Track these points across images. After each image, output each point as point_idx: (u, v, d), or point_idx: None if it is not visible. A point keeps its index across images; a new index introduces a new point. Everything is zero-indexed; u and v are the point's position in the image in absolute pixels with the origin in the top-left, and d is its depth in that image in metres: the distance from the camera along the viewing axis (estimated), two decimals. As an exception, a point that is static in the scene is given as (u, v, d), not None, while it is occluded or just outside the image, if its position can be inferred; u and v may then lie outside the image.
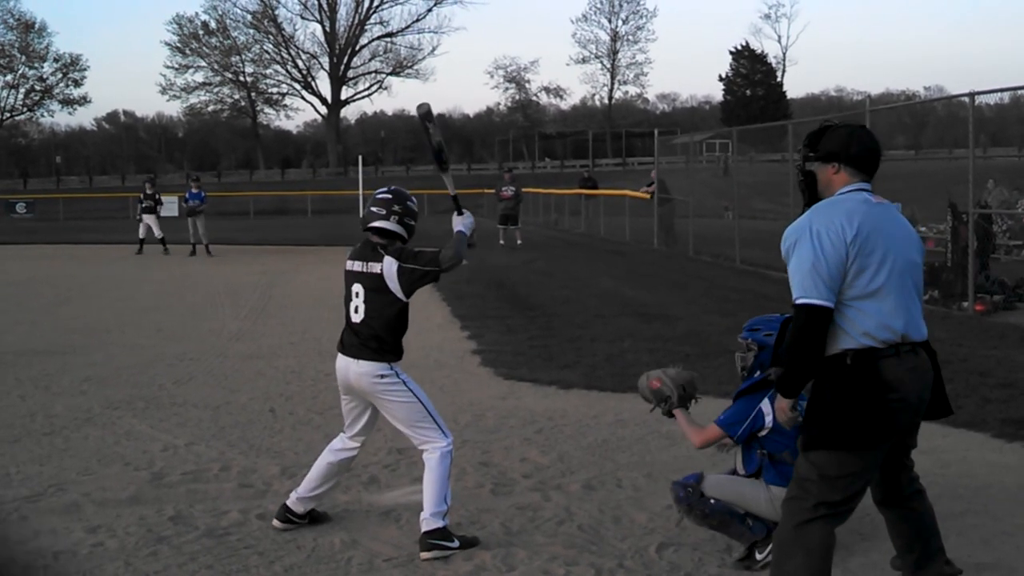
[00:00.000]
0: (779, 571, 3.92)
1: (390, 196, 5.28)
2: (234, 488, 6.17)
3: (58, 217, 51.48)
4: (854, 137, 4.03)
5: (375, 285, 5.11)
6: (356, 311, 5.19)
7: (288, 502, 5.43)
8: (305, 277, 19.87)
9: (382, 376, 5.13)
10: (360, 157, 52.50)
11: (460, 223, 5.27)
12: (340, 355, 5.28)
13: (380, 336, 5.12)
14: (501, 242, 26.41)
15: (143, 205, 26.53)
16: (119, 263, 24.23)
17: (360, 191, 48.09)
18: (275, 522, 5.41)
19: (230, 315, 14.25)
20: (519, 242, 26.23)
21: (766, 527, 4.78)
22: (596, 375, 9.26)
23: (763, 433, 4.82)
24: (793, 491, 3.93)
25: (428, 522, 5.04)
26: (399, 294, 5.10)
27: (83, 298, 17.00)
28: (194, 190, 26.11)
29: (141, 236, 26.41)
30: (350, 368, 5.20)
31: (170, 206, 31.88)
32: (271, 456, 6.87)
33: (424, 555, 4.97)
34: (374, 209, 5.22)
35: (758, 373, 4.92)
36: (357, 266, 5.21)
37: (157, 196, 26.73)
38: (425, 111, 5.38)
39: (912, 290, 3.92)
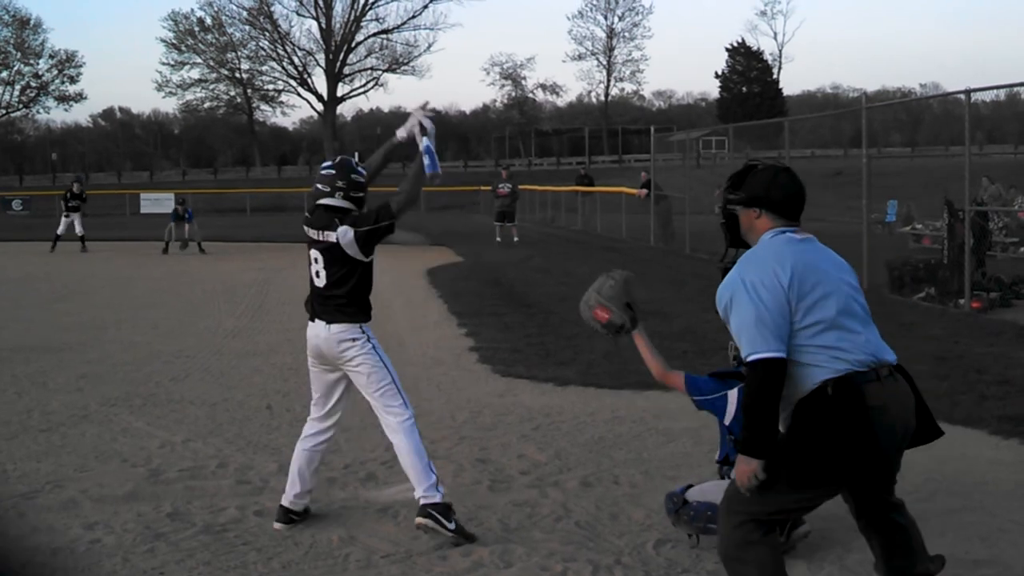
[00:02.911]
0: None
1: (333, 171, 5.25)
2: (231, 484, 6.17)
3: (54, 214, 51.06)
4: (776, 182, 3.93)
5: (333, 255, 5.13)
6: (318, 276, 5.21)
7: (286, 503, 5.40)
8: (302, 274, 19.74)
9: (354, 340, 5.14)
10: (357, 154, 52.53)
11: (425, 140, 5.29)
12: (311, 322, 5.26)
13: (346, 299, 5.15)
14: (498, 239, 26.43)
15: (71, 204, 27.04)
16: (114, 260, 24.21)
17: (356, 188, 48.25)
18: (277, 525, 5.36)
19: (227, 312, 14.24)
20: (516, 239, 26.24)
21: None
22: (593, 372, 9.27)
23: (727, 421, 4.87)
24: (736, 503, 3.80)
25: (425, 497, 5.08)
26: (359, 257, 5.13)
27: (79, 295, 16.98)
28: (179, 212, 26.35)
29: (60, 232, 26.74)
30: (320, 333, 5.18)
31: (166, 203, 31.91)
32: (268, 453, 6.87)
33: (418, 520, 5.03)
34: (319, 186, 5.23)
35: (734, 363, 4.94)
36: (313, 233, 5.21)
37: (84, 195, 27.68)
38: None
39: (863, 314, 3.83)
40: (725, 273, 3.94)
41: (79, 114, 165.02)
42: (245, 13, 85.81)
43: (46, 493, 6.01)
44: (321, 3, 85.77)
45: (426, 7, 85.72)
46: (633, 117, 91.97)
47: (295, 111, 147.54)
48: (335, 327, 5.14)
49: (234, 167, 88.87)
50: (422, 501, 5.07)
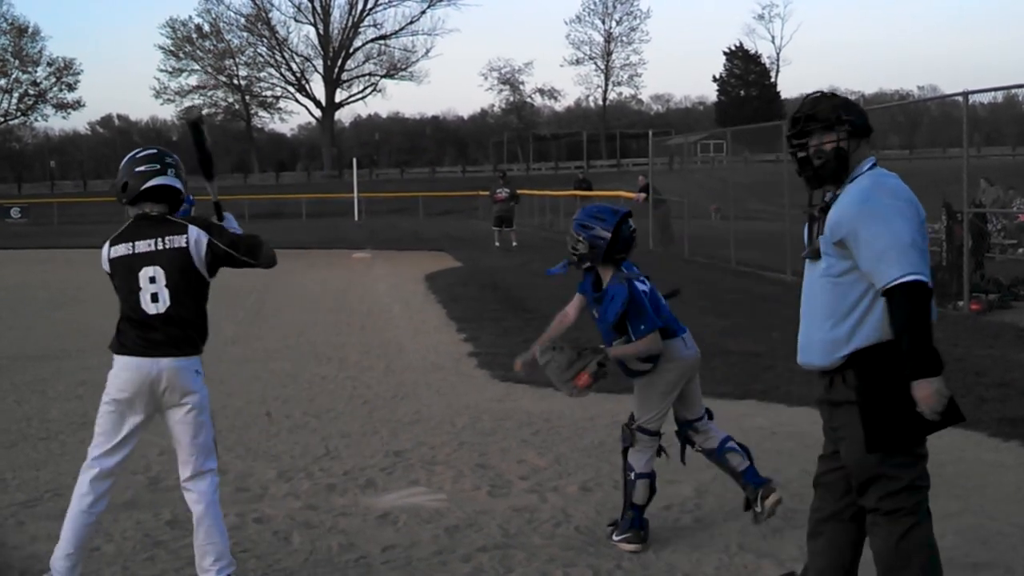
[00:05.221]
0: None
1: (156, 151, 4.58)
2: (231, 492, 6.15)
3: (52, 221, 51.35)
4: (859, 106, 3.85)
5: (181, 263, 4.38)
6: (155, 300, 4.36)
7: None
8: (300, 280, 19.84)
9: (197, 372, 4.47)
10: (355, 160, 52.58)
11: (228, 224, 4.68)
12: (138, 357, 4.38)
13: (193, 325, 4.46)
14: (496, 244, 26.43)
15: None
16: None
17: (355, 194, 48.29)
18: None
19: (225, 318, 14.19)
20: (514, 244, 26.24)
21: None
22: (592, 376, 9.25)
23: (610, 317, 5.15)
24: (889, 504, 3.65)
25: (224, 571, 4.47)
26: (204, 272, 4.45)
27: (77, 302, 16.96)
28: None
29: None
30: (162, 368, 4.37)
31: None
32: (267, 460, 6.86)
33: None
34: (145, 168, 4.45)
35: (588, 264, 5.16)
36: (145, 246, 4.39)
37: None
38: (196, 117, 4.97)
39: None
40: (814, 219, 3.78)
41: (77, 122, 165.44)
42: (243, 20, 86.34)
43: (45, 502, 6.00)
44: (319, 9, 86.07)
45: (424, 13, 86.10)
46: (631, 121, 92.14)
47: (293, 117, 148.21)
48: (183, 360, 4.40)
49: (232, 173, 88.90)
50: None
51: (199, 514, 4.51)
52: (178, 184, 4.49)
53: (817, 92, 3.82)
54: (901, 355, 3.52)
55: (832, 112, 3.71)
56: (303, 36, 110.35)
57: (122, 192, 4.46)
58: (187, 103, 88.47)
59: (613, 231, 5.07)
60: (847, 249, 3.61)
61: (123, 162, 4.53)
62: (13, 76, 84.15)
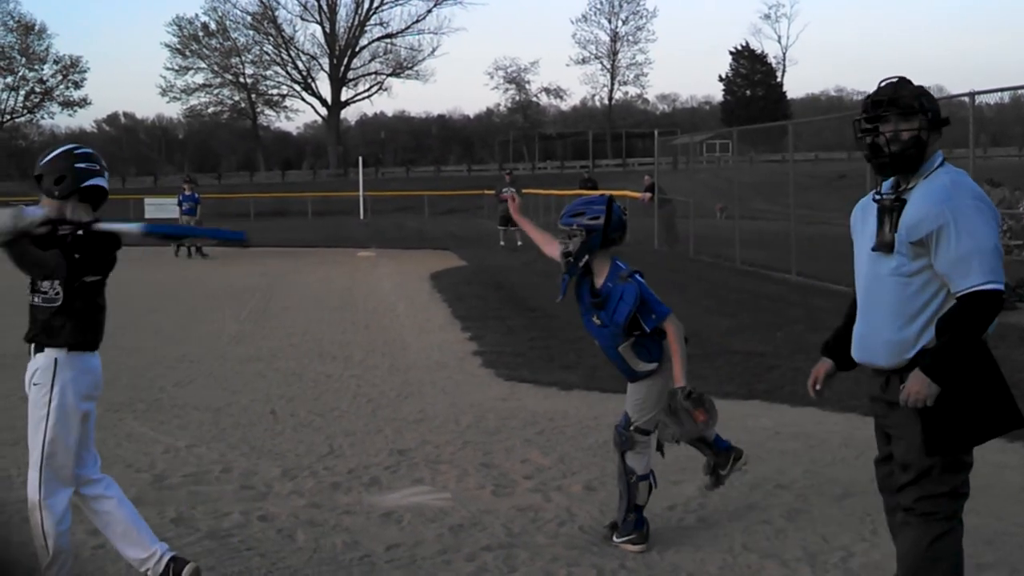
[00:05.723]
0: None
1: (92, 151, 4.55)
2: (235, 490, 6.16)
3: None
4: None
5: None
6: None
7: None
8: (305, 279, 19.87)
9: None
10: (360, 158, 52.63)
11: None
12: (94, 354, 4.60)
13: None
14: (501, 243, 26.46)
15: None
16: (117, 265, 24.17)
17: (360, 192, 48.32)
18: None
19: (230, 317, 14.24)
20: (519, 243, 26.23)
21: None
22: (597, 376, 9.25)
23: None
24: (926, 506, 3.61)
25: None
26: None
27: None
28: (187, 192, 25.96)
29: None
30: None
31: (171, 208, 31.53)
32: (272, 458, 6.86)
33: None
34: (85, 166, 4.44)
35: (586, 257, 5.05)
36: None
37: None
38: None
39: None
40: (888, 211, 3.64)
41: (84, 119, 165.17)
42: (249, 18, 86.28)
43: (50, 498, 5.99)
44: (325, 8, 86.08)
45: (430, 11, 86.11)
46: (637, 120, 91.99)
47: (299, 116, 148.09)
48: None
49: (238, 172, 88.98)
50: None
51: (117, 502, 4.67)
52: (107, 188, 4.49)
53: (895, 76, 3.69)
54: (958, 354, 3.51)
55: (914, 100, 3.61)
56: (309, 35, 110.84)
57: (55, 185, 4.36)
58: (193, 101, 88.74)
59: (606, 211, 5.03)
60: (924, 248, 3.52)
61: (55, 154, 4.44)
62: (20, 74, 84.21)
